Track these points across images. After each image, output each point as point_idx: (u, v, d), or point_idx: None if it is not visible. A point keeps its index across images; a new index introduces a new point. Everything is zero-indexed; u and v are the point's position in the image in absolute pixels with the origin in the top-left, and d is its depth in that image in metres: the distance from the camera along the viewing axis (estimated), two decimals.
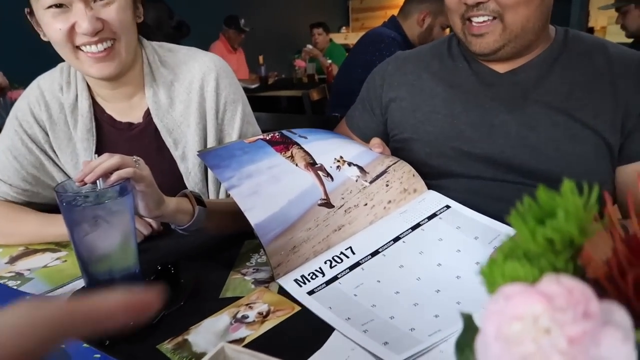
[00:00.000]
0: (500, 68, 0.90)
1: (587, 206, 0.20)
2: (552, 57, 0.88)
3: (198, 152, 0.80)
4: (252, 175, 0.75)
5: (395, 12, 2.20)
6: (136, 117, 0.95)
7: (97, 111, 0.94)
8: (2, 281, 0.74)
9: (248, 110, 0.98)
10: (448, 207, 0.80)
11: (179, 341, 0.59)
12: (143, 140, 0.94)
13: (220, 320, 0.63)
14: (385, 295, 0.65)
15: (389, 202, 0.82)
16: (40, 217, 0.90)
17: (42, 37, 0.85)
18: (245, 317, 0.63)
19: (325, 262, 0.72)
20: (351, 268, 0.71)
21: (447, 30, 2.06)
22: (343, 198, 0.79)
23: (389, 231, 0.77)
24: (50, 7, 0.78)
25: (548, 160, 0.83)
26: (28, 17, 0.85)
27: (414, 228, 0.77)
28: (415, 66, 1.00)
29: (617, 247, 0.20)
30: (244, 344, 0.57)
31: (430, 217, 0.79)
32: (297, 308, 0.64)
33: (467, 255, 0.70)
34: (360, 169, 0.82)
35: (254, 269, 0.76)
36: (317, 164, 0.80)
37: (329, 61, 4.46)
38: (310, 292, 0.67)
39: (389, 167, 0.84)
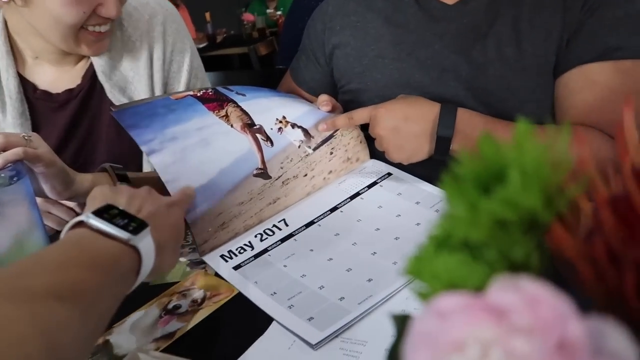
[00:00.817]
0: None
1: (555, 159, 0.13)
2: None
3: (111, 108, 0.68)
4: (177, 137, 0.65)
5: None
6: (75, 81, 0.82)
7: (28, 90, 0.80)
8: None
9: (197, 62, 0.88)
10: (389, 174, 0.75)
11: (99, 343, 0.51)
12: (85, 108, 0.82)
13: (148, 313, 0.55)
14: (317, 264, 0.59)
15: (330, 172, 0.75)
16: None
17: (16, 2, 0.68)
18: (177, 307, 0.55)
19: (256, 236, 0.65)
20: (283, 240, 0.64)
21: None
22: (282, 168, 0.71)
23: (326, 202, 0.71)
24: None
25: (500, 101, 0.76)
26: None
27: (352, 197, 0.71)
28: (357, 4, 0.89)
29: (603, 217, 0.13)
30: (174, 339, 0.50)
31: (370, 186, 0.73)
32: (236, 291, 0.57)
33: (407, 218, 0.65)
34: (305, 131, 0.74)
35: (189, 249, 0.67)
36: (255, 125, 0.71)
37: (279, 13, 4.23)
38: (237, 267, 0.60)
39: (336, 130, 0.76)
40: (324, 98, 0.78)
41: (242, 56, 3.42)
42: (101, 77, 0.80)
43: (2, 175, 0.55)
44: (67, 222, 0.72)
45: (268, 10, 4.41)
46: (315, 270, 0.58)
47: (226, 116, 0.70)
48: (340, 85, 0.92)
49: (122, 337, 0.51)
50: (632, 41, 0.69)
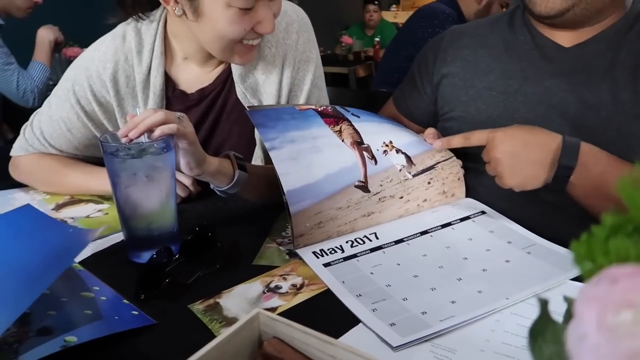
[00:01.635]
0: (566, 41, 0.83)
1: None
2: (624, 29, 0.79)
3: (247, 107, 0.77)
4: (295, 140, 0.73)
5: None
6: (207, 82, 0.90)
7: (169, 88, 0.89)
8: None
9: (320, 72, 0.93)
10: (483, 212, 0.78)
11: (211, 303, 0.58)
12: (214, 106, 0.90)
13: (252, 287, 0.61)
14: (402, 277, 0.63)
15: (424, 200, 0.80)
16: (84, 170, 0.91)
17: (170, 9, 0.76)
18: (278, 287, 0.61)
19: (347, 242, 0.71)
20: (372, 250, 0.70)
21: (506, 9, 1.94)
22: (381, 185, 0.76)
23: (418, 224, 0.75)
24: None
25: (608, 142, 0.76)
26: None
27: (444, 226, 0.75)
28: (471, 40, 0.93)
29: None
30: (276, 313, 0.56)
31: (463, 219, 0.76)
32: None
33: (497, 254, 0.67)
34: (408, 158, 0.79)
35: (289, 240, 0.74)
36: (364, 144, 0.77)
37: (377, 39, 4.35)
38: (327, 265, 0.66)
39: (438, 163, 0.80)
40: (431, 131, 0.82)
41: (335, 75, 3.55)
42: (237, 80, 0.87)
43: (156, 145, 0.64)
44: (180, 197, 0.81)
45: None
46: (400, 282, 0.61)
47: (340, 132, 0.77)
48: (442, 113, 0.96)
49: (231, 302, 0.58)
50: None
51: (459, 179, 0.82)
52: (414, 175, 0.78)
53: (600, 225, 0.18)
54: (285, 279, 0.63)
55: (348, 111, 0.81)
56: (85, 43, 0.92)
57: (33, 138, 0.90)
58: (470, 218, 0.77)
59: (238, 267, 0.66)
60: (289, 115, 0.76)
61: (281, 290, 0.61)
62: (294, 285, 0.62)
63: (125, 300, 0.56)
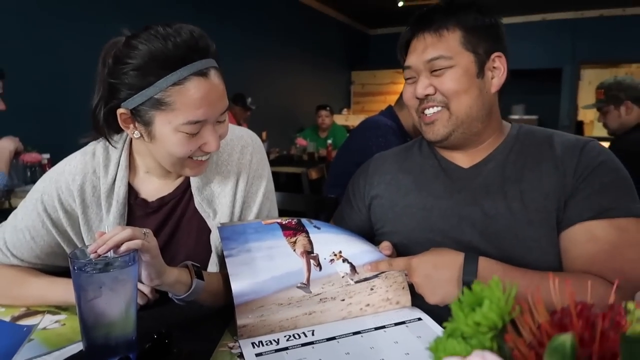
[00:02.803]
0: (464, 163, 1.00)
1: (507, 299, 0.27)
2: (507, 149, 0.98)
3: (220, 224, 0.87)
4: (251, 250, 0.85)
5: (393, 98, 2.37)
6: (167, 190, 0.99)
7: (131, 195, 0.97)
8: None
9: (270, 187, 1.05)
10: (419, 319, 0.85)
11: None
12: (173, 213, 0.99)
13: None
14: None
15: (367, 305, 0.88)
16: (44, 281, 0.94)
17: (130, 133, 0.86)
18: None
19: (285, 336, 0.80)
20: (303, 345, 0.77)
21: None
22: (323, 287, 0.86)
23: (354, 325, 0.83)
24: (187, 123, 0.80)
25: (509, 246, 0.89)
26: (112, 113, 0.84)
27: (377, 328, 0.82)
28: (391, 166, 1.10)
29: (531, 331, 0.26)
30: None
31: (397, 324, 0.84)
32: None
33: (413, 357, 0.73)
34: (352, 267, 0.89)
35: (239, 343, 0.79)
36: (313, 253, 0.88)
37: (329, 141, 4.67)
38: (258, 354, 0.74)
39: (380, 273, 0.90)
40: (386, 244, 0.94)
41: (290, 175, 3.75)
42: (194, 191, 0.97)
43: (121, 259, 0.71)
44: (147, 299, 0.86)
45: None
46: None
47: (294, 242, 0.89)
48: (376, 229, 1.09)
49: None
50: (622, 203, 0.85)
51: (403, 288, 0.90)
52: (356, 282, 0.88)
53: (444, 331, 0.29)
54: None
55: (312, 223, 0.93)
56: (42, 148, 0.99)
57: None
58: (405, 323, 0.84)
59: None
60: (253, 229, 0.89)
61: None
62: None
63: None
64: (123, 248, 0.71)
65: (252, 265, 0.83)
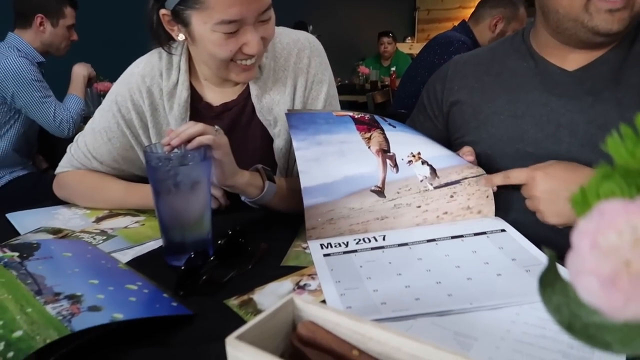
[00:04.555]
0: (571, 65, 0.86)
1: None
2: (623, 51, 0.83)
3: (287, 111, 0.81)
4: (322, 143, 0.79)
5: None
6: (231, 97, 0.98)
7: (195, 99, 0.96)
8: (90, 236, 0.81)
9: (333, 92, 1.00)
10: (503, 230, 0.78)
11: (245, 299, 0.61)
12: (237, 121, 0.98)
13: (283, 285, 0.65)
14: (385, 273, 0.66)
15: (445, 212, 0.81)
16: (122, 186, 0.97)
17: (175, 36, 0.85)
18: (307, 285, 0.65)
19: (354, 240, 0.76)
20: (373, 249, 0.74)
21: None
22: (398, 192, 0.80)
23: (428, 233, 0.77)
24: (221, 22, 0.77)
25: None
26: (159, 15, 0.84)
27: (454, 237, 0.76)
28: (474, 69, 0.98)
29: None
30: None
31: (477, 234, 0.77)
32: None
33: (492, 267, 0.67)
34: (433, 170, 0.82)
35: None
36: (389, 152, 0.81)
37: (392, 69, 4.46)
38: (326, 255, 0.72)
39: (465, 178, 0.82)
40: (468, 149, 0.86)
41: (353, 104, 3.64)
42: (254, 99, 0.95)
43: (194, 154, 0.70)
44: (219, 204, 0.87)
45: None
46: (380, 276, 0.65)
47: (369, 139, 0.81)
48: (454, 138, 1.00)
49: (263, 297, 0.62)
50: None
51: (487, 197, 0.83)
52: (435, 187, 0.81)
53: (593, 178, 0.22)
54: (313, 278, 0.67)
55: (386, 121, 0.85)
56: (114, 78, 1.01)
57: (78, 152, 0.98)
58: (486, 234, 0.77)
59: (268, 268, 0.70)
60: (323, 119, 0.81)
61: (310, 288, 0.64)
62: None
63: (165, 295, 0.60)
64: (194, 143, 0.70)
65: (323, 162, 0.77)
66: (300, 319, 0.49)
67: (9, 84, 1.87)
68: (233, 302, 0.61)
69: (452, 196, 0.82)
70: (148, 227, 0.86)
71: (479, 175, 0.83)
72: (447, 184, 0.82)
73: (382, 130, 0.83)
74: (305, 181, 0.76)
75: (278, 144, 0.96)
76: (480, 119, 0.94)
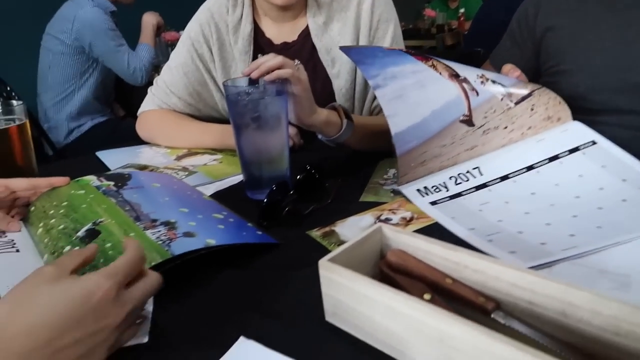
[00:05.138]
0: None
1: None
2: None
3: (341, 47, 0.78)
4: (396, 76, 0.72)
5: None
6: (291, 37, 0.99)
7: (258, 34, 0.98)
8: (173, 172, 0.85)
9: (398, 32, 0.97)
10: (594, 142, 0.71)
11: (327, 230, 0.62)
12: (299, 59, 0.96)
13: (364, 219, 0.64)
14: (513, 213, 0.62)
15: (529, 128, 0.75)
16: (200, 126, 1.00)
17: None
18: (389, 219, 0.64)
19: (450, 178, 0.71)
20: (477, 188, 0.69)
21: None
22: (486, 117, 0.74)
23: (522, 158, 0.72)
24: None
25: None
26: None
27: (551, 159, 0.71)
28: None
29: None
30: None
31: (571, 151, 0.71)
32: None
33: (612, 192, 0.62)
34: (505, 88, 0.76)
35: (391, 181, 0.76)
36: (460, 77, 0.75)
37: (461, 11, 4.17)
38: (433, 203, 0.66)
39: (533, 91, 0.76)
40: (510, 66, 0.78)
41: (417, 49, 3.47)
42: (314, 38, 0.94)
43: (272, 88, 0.69)
44: (293, 143, 0.87)
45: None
46: (512, 218, 0.61)
47: (433, 66, 0.74)
48: (547, 67, 0.92)
49: (345, 229, 0.62)
50: None
51: (559, 103, 0.76)
52: (516, 103, 0.75)
53: None
54: (394, 212, 0.66)
55: (430, 55, 0.80)
56: (181, 27, 1.04)
57: (158, 90, 1.03)
58: (580, 149, 0.71)
59: (347, 203, 0.70)
60: (381, 52, 0.75)
61: (392, 222, 0.63)
62: (403, 218, 0.64)
63: (250, 224, 0.62)
64: (273, 75, 0.69)
65: (407, 99, 0.72)
66: (388, 247, 0.49)
67: (87, 33, 1.95)
68: (315, 233, 0.61)
69: (532, 109, 0.75)
70: (226, 165, 0.88)
71: (540, 87, 0.76)
72: (523, 98, 0.75)
73: (435, 59, 0.75)
74: (395, 126, 0.70)
75: (338, 84, 0.95)
76: (581, 46, 0.85)
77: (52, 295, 0.36)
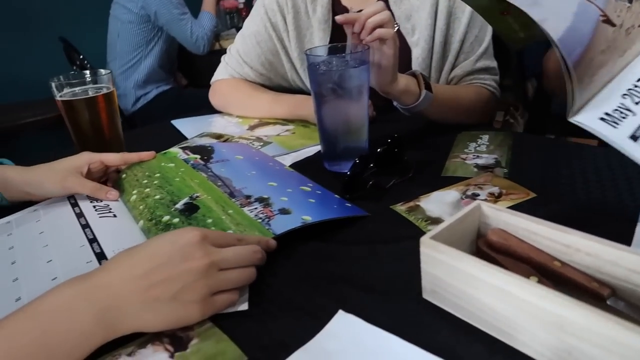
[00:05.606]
0: None
1: None
2: None
3: None
4: None
5: None
6: (368, 5, 0.94)
7: (335, 2, 0.96)
8: (248, 142, 0.86)
9: None
10: None
11: (412, 205, 0.61)
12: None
13: (449, 194, 0.62)
14: None
15: None
16: (271, 96, 1.00)
17: None
18: (476, 194, 0.62)
19: (624, 97, 0.52)
20: None
21: None
22: (619, 16, 0.60)
23: None
24: None
25: None
26: None
27: None
28: None
29: None
30: None
31: None
32: (532, 194, 0.60)
33: None
34: None
35: (473, 155, 0.73)
36: None
37: None
38: (634, 137, 0.48)
39: None
40: None
41: None
42: (392, 5, 0.91)
43: (355, 58, 0.67)
44: None
45: None
46: None
47: None
48: None
49: (431, 204, 0.60)
50: None
51: None
52: (630, 1, 0.63)
53: None
54: (481, 188, 0.63)
55: None
56: None
57: (231, 59, 1.04)
58: None
59: (428, 177, 0.68)
60: None
61: (479, 198, 0.61)
62: (491, 194, 0.61)
63: (336, 196, 0.62)
64: (375, 34, 0.66)
65: (542, 3, 0.50)
66: (487, 226, 0.47)
67: (152, 1, 1.98)
68: (400, 208, 0.60)
69: None
70: (299, 135, 0.88)
71: None
72: None
73: None
74: (552, 31, 0.50)
75: (416, 53, 0.91)
76: None
77: (151, 240, 0.44)
